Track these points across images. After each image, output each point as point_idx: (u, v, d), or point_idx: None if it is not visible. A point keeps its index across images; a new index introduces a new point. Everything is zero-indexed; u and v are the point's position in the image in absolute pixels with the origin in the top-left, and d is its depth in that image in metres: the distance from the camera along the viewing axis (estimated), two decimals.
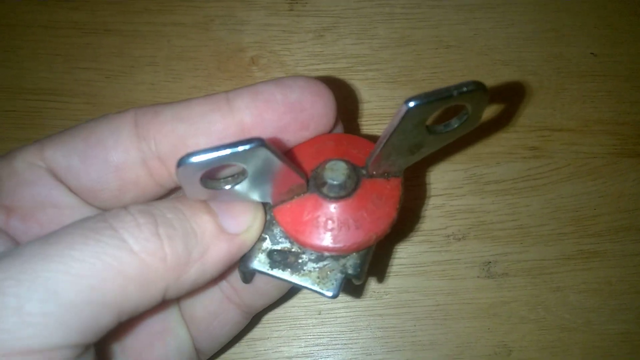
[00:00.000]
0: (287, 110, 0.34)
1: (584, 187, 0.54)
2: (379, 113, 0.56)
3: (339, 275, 0.34)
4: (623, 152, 0.55)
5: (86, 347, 0.28)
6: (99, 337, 0.28)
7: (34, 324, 0.25)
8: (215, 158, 0.26)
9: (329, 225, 0.34)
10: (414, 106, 0.27)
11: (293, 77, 0.35)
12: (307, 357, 0.50)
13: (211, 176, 0.30)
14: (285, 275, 0.35)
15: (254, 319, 0.46)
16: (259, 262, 0.35)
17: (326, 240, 0.33)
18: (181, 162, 0.26)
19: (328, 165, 0.33)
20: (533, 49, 0.58)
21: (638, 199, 0.54)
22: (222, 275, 0.37)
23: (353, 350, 0.50)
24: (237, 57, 0.57)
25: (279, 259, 0.35)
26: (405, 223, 0.53)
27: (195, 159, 0.26)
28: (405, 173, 0.36)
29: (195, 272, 0.31)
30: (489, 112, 0.56)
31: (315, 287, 0.34)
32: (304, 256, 0.35)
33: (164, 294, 0.30)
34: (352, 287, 0.51)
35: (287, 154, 0.36)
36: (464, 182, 0.54)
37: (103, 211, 0.30)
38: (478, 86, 0.27)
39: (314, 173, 0.35)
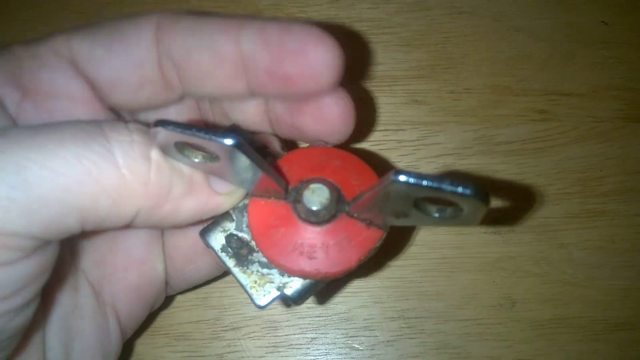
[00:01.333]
0: (287, 54, 0.33)
1: (591, 149, 0.56)
2: (393, 75, 0.57)
3: (275, 292, 0.34)
4: (630, 116, 0.56)
5: (46, 243, 0.28)
6: (59, 238, 0.28)
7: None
8: (186, 137, 0.26)
9: (286, 242, 0.33)
10: (399, 182, 0.25)
11: (303, 24, 0.34)
12: (317, 304, 0.52)
13: (186, 145, 0.29)
14: (230, 263, 0.35)
15: None
16: (215, 240, 0.35)
17: (277, 255, 0.33)
18: (155, 124, 0.26)
19: (312, 186, 0.33)
20: (545, 16, 0.59)
21: None
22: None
23: (362, 297, 0.52)
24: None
25: (233, 245, 0.35)
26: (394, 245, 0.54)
27: (168, 129, 0.26)
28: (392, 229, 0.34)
29: (168, 209, 0.30)
30: (499, 76, 0.57)
31: (249, 290, 0.34)
32: (255, 255, 0.35)
33: (132, 218, 0.29)
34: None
35: (286, 155, 0.36)
36: (474, 143, 0.56)
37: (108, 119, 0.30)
38: (475, 193, 0.24)
39: (299, 185, 0.34)
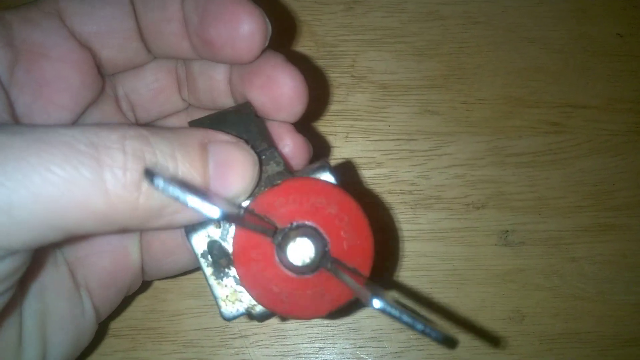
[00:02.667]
0: (210, 19, 0.34)
1: (604, 162, 0.55)
2: (406, 84, 0.57)
3: (243, 310, 0.35)
4: None
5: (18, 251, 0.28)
6: (36, 247, 0.28)
7: None
8: (175, 197, 0.25)
9: (264, 280, 0.33)
10: (375, 307, 0.25)
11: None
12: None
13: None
14: (207, 271, 0.35)
15: None
16: (198, 243, 0.35)
17: (252, 287, 0.33)
18: (146, 175, 0.25)
19: (300, 240, 0.32)
20: (560, 28, 0.59)
21: None
22: None
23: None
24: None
25: (214, 252, 0.35)
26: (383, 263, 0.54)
27: (157, 183, 0.25)
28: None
29: (159, 224, 0.30)
30: (513, 88, 0.57)
31: (219, 302, 0.34)
32: (233, 269, 0.35)
33: (121, 230, 0.29)
34: None
35: (285, 183, 0.34)
36: (486, 154, 0.55)
37: (89, 129, 0.28)
38: (445, 341, 0.25)
39: (287, 229, 0.33)
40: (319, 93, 0.57)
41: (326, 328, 0.51)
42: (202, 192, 0.26)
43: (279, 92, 0.36)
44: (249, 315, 0.35)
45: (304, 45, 0.58)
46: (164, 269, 0.42)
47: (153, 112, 0.43)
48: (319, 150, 0.55)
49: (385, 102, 0.57)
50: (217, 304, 0.34)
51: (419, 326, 0.25)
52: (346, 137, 0.56)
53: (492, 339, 0.51)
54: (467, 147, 0.56)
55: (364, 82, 0.57)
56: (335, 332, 0.51)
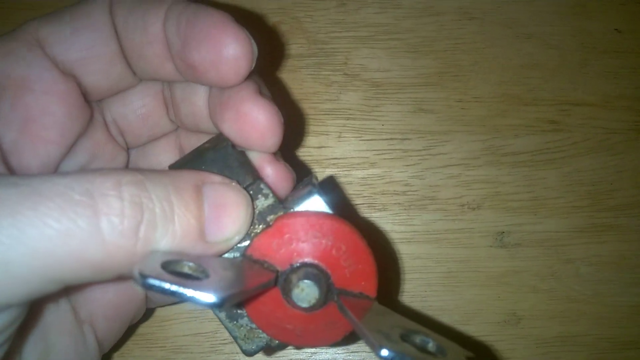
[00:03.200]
0: (193, 41, 0.33)
1: (602, 162, 0.54)
2: (400, 82, 0.56)
3: (262, 345, 0.35)
4: None
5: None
6: (27, 302, 0.28)
7: None
8: (168, 293, 0.25)
9: (276, 320, 0.33)
10: (384, 356, 0.25)
11: (214, 11, 0.33)
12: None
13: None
14: (221, 316, 0.35)
15: None
16: None
17: (267, 328, 0.34)
18: (136, 275, 0.25)
19: (301, 285, 0.32)
20: (557, 23, 0.58)
21: None
22: None
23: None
24: (259, 22, 0.58)
25: None
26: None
27: (150, 282, 0.25)
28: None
29: None
30: (509, 85, 0.56)
31: (239, 342, 0.35)
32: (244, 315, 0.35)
33: (117, 277, 0.29)
34: None
35: (279, 220, 0.34)
36: (482, 153, 0.54)
37: (84, 175, 0.28)
38: None
39: (288, 271, 0.33)
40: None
41: None
42: (197, 276, 0.27)
43: (249, 127, 0.35)
44: (269, 347, 0.36)
45: (295, 43, 0.57)
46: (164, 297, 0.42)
47: (143, 136, 0.42)
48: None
49: (379, 100, 0.56)
50: (237, 343, 0.35)
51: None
52: (339, 136, 0.55)
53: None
54: (462, 146, 0.55)
55: (356, 80, 0.56)
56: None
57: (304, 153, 0.55)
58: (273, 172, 0.37)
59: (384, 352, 0.25)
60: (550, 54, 0.57)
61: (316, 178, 0.37)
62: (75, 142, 0.37)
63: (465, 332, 0.50)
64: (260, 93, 0.36)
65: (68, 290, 0.38)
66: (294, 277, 0.32)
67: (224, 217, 0.31)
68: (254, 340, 0.35)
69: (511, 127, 0.55)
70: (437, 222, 0.53)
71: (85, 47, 0.35)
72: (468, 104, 0.56)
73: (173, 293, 0.25)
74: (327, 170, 0.54)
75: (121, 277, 0.29)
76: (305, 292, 0.32)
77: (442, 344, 0.27)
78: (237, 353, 0.50)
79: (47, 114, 0.34)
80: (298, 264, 0.33)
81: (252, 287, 0.29)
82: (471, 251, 0.52)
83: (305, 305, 0.32)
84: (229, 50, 0.32)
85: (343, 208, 0.53)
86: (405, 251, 0.52)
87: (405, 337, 0.27)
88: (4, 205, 0.25)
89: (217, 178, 0.32)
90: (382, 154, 0.54)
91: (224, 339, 0.50)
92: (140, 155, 0.43)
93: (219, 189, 0.32)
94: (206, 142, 0.37)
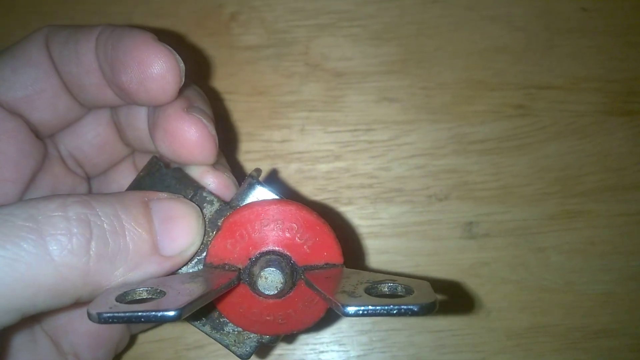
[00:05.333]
0: (120, 65, 0.33)
1: (571, 146, 0.53)
2: (363, 71, 0.55)
3: (254, 344, 0.35)
4: (611, 110, 0.54)
5: None
6: None
7: None
8: (128, 320, 0.25)
9: (254, 316, 0.33)
10: (349, 313, 0.26)
11: (137, 33, 0.34)
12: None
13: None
14: (206, 329, 0.35)
15: None
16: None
17: (250, 326, 0.34)
18: (91, 314, 0.25)
19: (264, 274, 0.32)
20: (522, 4, 0.56)
21: (625, 158, 0.53)
22: None
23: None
24: (216, 13, 0.56)
25: (204, 310, 0.35)
26: None
27: (105, 316, 0.25)
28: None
29: (113, 285, 0.29)
30: (474, 70, 0.55)
31: (231, 349, 0.35)
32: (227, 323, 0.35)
33: (75, 301, 0.29)
34: None
35: (226, 220, 0.34)
36: (447, 142, 0.53)
37: (28, 202, 0.28)
38: (424, 310, 0.25)
39: (249, 265, 0.33)
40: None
41: None
42: (154, 298, 0.28)
43: (178, 144, 0.35)
44: (263, 344, 0.36)
45: (254, 34, 0.55)
46: None
47: (101, 164, 0.43)
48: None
49: (342, 90, 0.54)
50: (230, 350, 0.35)
51: (395, 311, 0.25)
52: (302, 129, 0.53)
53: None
54: (428, 135, 0.53)
55: (318, 71, 0.55)
56: (295, 338, 0.49)
57: (266, 148, 0.53)
58: (214, 181, 0.37)
59: (349, 310, 0.25)
60: (515, 36, 0.56)
61: (256, 171, 0.36)
62: (34, 178, 0.37)
63: (435, 327, 0.49)
64: (190, 108, 0.35)
65: (39, 320, 0.38)
66: (255, 269, 0.32)
67: (175, 229, 0.31)
68: (245, 343, 0.35)
69: (477, 113, 0.54)
70: (405, 215, 0.52)
71: (26, 84, 0.36)
72: (433, 91, 0.54)
73: (130, 319, 0.25)
74: (290, 165, 0.53)
75: (80, 302, 0.28)
76: (270, 280, 0.32)
77: (409, 284, 0.27)
78: (201, 358, 0.48)
79: (1, 152, 0.35)
80: (256, 256, 0.33)
81: (213, 289, 0.29)
82: (439, 243, 0.51)
83: (273, 292, 0.31)
84: (154, 69, 0.33)
85: (290, 195, 0.52)
86: (373, 246, 0.51)
87: (371, 290, 0.28)
88: None
89: (162, 194, 0.32)
90: (347, 146, 0.53)
91: (188, 344, 0.49)
92: (102, 182, 0.43)
93: (166, 203, 0.32)
94: (141, 171, 0.37)
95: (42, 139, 0.38)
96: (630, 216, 0.52)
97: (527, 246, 0.51)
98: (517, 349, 0.49)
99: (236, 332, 0.35)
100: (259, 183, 0.35)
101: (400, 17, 0.56)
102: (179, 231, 0.32)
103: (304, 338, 0.49)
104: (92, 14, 0.55)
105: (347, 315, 0.25)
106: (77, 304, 0.29)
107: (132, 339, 0.46)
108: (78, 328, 0.38)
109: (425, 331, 0.49)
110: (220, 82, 0.54)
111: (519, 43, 0.55)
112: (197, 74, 0.54)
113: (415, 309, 0.25)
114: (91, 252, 0.27)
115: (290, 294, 0.33)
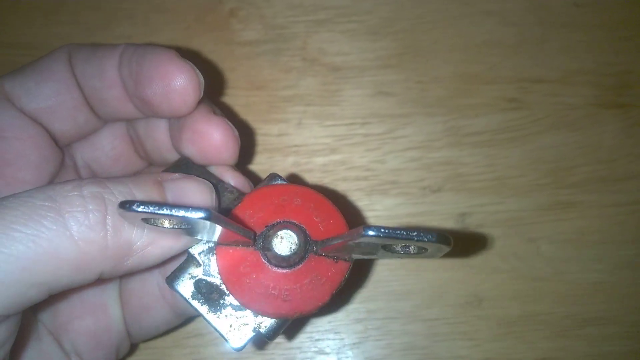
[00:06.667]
0: (144, 79, 0.36)
1: (564, 138, 0.54)
2: (359, 65, 0.56)
3: (251, 333, 0.35)
4: (603, 103, 0.55)
5: (7, 316, 0.29)
6: (24, 308, 0.29)
7: None
8: (158, 214, 0.27)
9: (260, 288, 0.34)
10: (370, 235, 0.27)
11: (160, 49, 0.37)
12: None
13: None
14: (203, 310, 0.35)
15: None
16: (183, 287, 0.35)
17: (252, 301, 0.34)
18: (123, 205, 0.27)
19: (280, 233, 0.33)
20: None
21: (616, 150, 0.54)
22: (163, 272, 0.40)
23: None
24: (216, 9, 0.57)
25: (204, 290, 0.35)
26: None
27: (139, 208, 0.27)
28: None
29: (133, 262, 0.31)
30: (469, 64, 0.56)
31: (225, 335, 0.35)
32: (227, 298, 0.35)
33: (98, 276, 0.30)
34: None
35: (247, 197, 0.36)
36: (442, 135, 0.54)
37: (46, 186, 0.30)
38: (441, 240, 0.27)
39: (265, 231, 0.34)
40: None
41: None
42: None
43: (207, 143, 0.38)
44: (259, 336, 0.35)
45: (251, 29, 0.56)
46: (145, 326, 0.43)
47: (115, 176, 0.44)
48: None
49: (338, 85, 0.55)
50: (224, 338, 0.35)
51: (414, 235, 0.27)
52: (299, 123, 0.54)
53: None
54: (423, 128, 0.54)
55: (315, 65, 0.56)
56: (292, 326, 0.50)
57: (264, 141, 0.54)
58: (233, 180, 0.39)
59: (370, 232, 0.27)
60: (509, 31, 0.57)
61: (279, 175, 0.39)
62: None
63: (428, 316, 0.51)
64: (214, 113, 0.38)
65: (41, 319, 0.39)
66: (271, 232, 0.34)
67: (188, 202, 0.33)
68: (240, 330, 0.35)
69: (472, 106, 0.55)
70: (399, 207, 0.53)
71: (49, 96, 0.38)
72: (428, 85, 0.55)
73: (160, 212, 0.27)
74: (287, 158, 0.54)
75: (103, 277, 0.30)
76: (285, 240, 0.33)
77: (422, 244, 0.28)
78: (200, 346, 0.50)
79: (21, 157, 0.37)
80: (274, 224, 0.34)
81: (233, 225, 0.30)
82: None
83: (287, 252, 0.33)
84: (177, 82, 0.36)
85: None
86: None
87: (386, 247, 0.30)
88: None
89: (176, 175, 0.34)
90: (343, 139, 0.54)
91: (188, 333, 0.50)
92: None
93: (180, 182, 0.33)
94: (169, 167, 0.40)
95: (61, 147, 0.40)
96: (621, 207, 0.53)
97: (519, 236, 0.52)
98: (509, 336, 0.50)
99: (233, 318, 0.35)
100: (281, 178, 0.38)
101: (396, 13, 0.57)
102: (191, 202, 0.33)
103: (300, 326, 0.50)
104: (95, 10, 0.56)
105: (368, 236, 0.27)
106: (101, 280, 0.31)
107: (134, 347, 0.47)
108: (77, 327, 0.40)
109: (419, 320, 0.50)
110: (219, 76, 0.55)
111: (513, 37, 0.56)
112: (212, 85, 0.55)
113: (433, 238, 0.27)
114: (108, 227, 0.29)
115: (300, 266, 0.34)
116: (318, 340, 0.50)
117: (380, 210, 0.53)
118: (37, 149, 0.38)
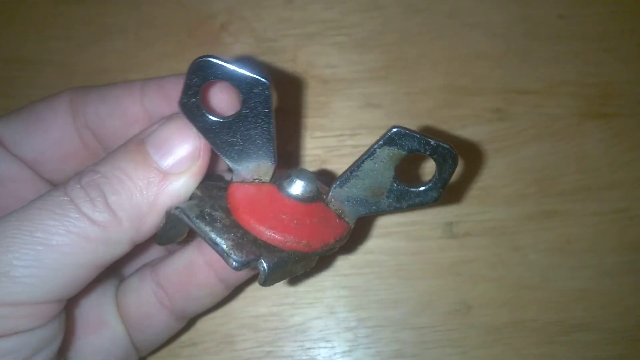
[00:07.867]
0: None
1: (548, 148, 0.55)
2: (348, 77, 0.57)
3: (252, 257, 0.32)
4: (587, 113, 0.56)
5: (65, 303, 0.33)
6: (79, 289, 0.33)
7: (22, 284, 0.30)
8: (227, 70, 0.31)
9: (272, 212, 0.34)
10: (398, 131, 0.32)
11: None
12: (273, 316, 0.52)
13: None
14: (206, 228, 0.33)
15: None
16: (188, 208, 0.33)
17: (262, 220, 0.34)
18: (197, 60, 0.32)
19: (298, 169, 0.36)
20: (501, 11, 0.58)
21: (600, 159, 0.55)
22: (156, 279, 0.42)
23: (318, 309, 0.52)
24: (207, 23, 0.58)
25: (207, 219, 0.33)
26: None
27: (213, 60, 0.31)
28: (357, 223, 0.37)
29: (152, 218, 0.33)
30: (455, 76, 0.57)
31: (227, 251, 0.32)
32: (232, 229, 0.33)
33: (131, 243, 0.34)
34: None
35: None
36: None
37: (58, 186, 0.33)
38: (451, 152, 0.34)
39: (280, 175, 0.36)
40: None
41: (274, 331, 0.51)
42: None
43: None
44: (257, 268, 0.33)
45: (242, 42, 0.57)
46: (148, 335, 0.43)
47: None
48: None
49: (327, 97, 0.56)
50: (225, 252, 0.32)
51: (432, 141, 0.33)
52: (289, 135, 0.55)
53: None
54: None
55: (305, 78, 0.57)
56: (283, 335, 0.51)
57: None
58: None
59: (396, 132, 0.33)
60: (495, 43, 0.58)
61: None
62: None
63: (418, 324, 0.52)
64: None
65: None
66: (290, 171, 0.36)
67: (173, 148, 0.33)
68: (242, 251, 0.32)
69: (458, 117, 0.56)
70: (388, 217, 0.54)
71: (36, 149, 0.40)
72: (415, 97, 0.56)
73: (232, 71, 0.32)
74: None
75: (137, 242, 0.34)
76: (304, 173, 0.36)
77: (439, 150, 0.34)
78: (194, 356, 0.50)
79: (19, 199, 0.38)
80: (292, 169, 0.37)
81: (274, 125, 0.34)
82: (422, 243, 0.53)
83: (304, 179, 0.35)
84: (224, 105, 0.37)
85: None
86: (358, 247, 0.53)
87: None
88: (5, 225, 0.31)
89: (155, 125, 0.34)
90: (333, 150, 0.55)
91: (182, 342, 0.51)
92: None
93: (158, 129, 0.34)
94: None
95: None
96: (605, 215, 0.54)
97: (505, 245, 0.53)
98: (496, 343, 0.51)
99: (239, 235, 0.33)
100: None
101: (383, 26, 0.58)
102: (178, 148, 0.33)
103: (291, 335, 0.51)
104: (87, 25, 0.57)
105: (395, 132, 0.32)
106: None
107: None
108: (83, 346, 0.40)
109: (409, 327, 0.51)
110: None
111: (498, 49, 0.58)
112: None
113: (447, 148, 0.33)
114: (112, 206, 0.32)
115: (312, 204, 0.35)
116: (309, 348, 0.51)
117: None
118: (35, 189, 0.40)
